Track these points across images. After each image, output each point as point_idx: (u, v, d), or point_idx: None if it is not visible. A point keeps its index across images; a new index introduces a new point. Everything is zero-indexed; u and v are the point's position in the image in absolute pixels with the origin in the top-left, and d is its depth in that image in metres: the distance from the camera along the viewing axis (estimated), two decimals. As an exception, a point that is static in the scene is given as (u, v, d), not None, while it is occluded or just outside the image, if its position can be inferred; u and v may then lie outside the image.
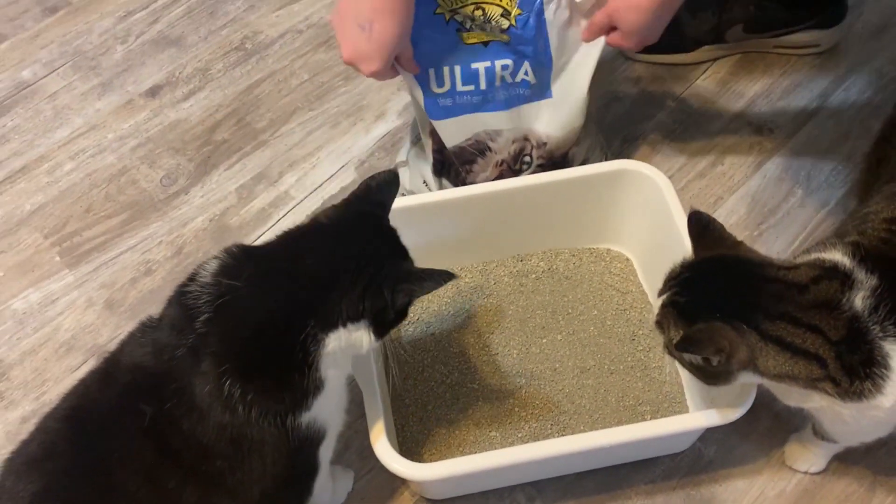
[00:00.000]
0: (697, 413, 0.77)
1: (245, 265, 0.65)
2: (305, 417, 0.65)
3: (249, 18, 1.28)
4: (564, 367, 0.88)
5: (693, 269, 0.69)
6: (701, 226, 0.71)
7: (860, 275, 0.65)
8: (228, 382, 0.61)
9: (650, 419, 0.84)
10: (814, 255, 0.70)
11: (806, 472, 0.84)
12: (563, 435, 0.83)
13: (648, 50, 0.96)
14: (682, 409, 0.86)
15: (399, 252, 0.68)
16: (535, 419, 0.85)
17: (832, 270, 0.66)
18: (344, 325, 0.64)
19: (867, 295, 0.64)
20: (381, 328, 0.66)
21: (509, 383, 0.87)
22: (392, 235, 0.69)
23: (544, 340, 0.91)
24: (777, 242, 1.00)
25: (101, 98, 1.20)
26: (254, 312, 0.63)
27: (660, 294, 0.70)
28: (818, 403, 0.69)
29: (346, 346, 0.65)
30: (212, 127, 1.16)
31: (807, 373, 0.65)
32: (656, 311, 0.70)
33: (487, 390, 0.87)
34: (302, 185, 1.09)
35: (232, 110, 1.17)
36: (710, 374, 0.68)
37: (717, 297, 0.66)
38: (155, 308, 1.04)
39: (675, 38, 1.08)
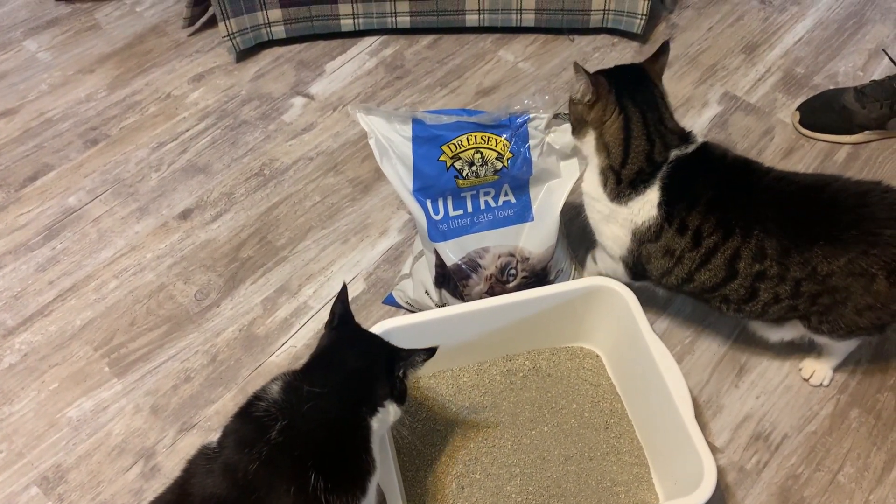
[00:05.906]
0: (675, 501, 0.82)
1: (304, 380, 0.74)
2: None
3: (266, 147, 1.34)
4: (551, 456, 0.95)
5: (625, 67, 0.96)
6: (658, 55, 0.95)
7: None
8: (313, 475, 0.67)
9: (625, 498, 0.92)
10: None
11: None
12: (553, 515, 0.90)
13: (819, 129, 1.28)
14: (649, 486, 0.93)
15: (385, 344, 0.81)
16: None
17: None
18: (382, 406, 0.76)
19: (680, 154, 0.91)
20: (401, 399, 0.79)
21: (506, 472, 0.94)
22: (371, 336, 0.82)
23: (533, 432, 0.97)
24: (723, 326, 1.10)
25: (140, 221, 1.24)
26: (325, 413, 0.71)
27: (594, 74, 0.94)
28: (595, 192, 0.95)
29: (383, 422, 0.76)
30: (238, 245, 1.21)
31: (618, 160, 0.92)
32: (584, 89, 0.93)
33: (488, 479, 0.93)
34: (319, 296, 1.15)
35: (255, 230, 1.22)
36: (578, 120, 0.94)
37: (621, 80, 0.93)
38: (194, 412, 1.09)
39: (845, 122, 1.29)
